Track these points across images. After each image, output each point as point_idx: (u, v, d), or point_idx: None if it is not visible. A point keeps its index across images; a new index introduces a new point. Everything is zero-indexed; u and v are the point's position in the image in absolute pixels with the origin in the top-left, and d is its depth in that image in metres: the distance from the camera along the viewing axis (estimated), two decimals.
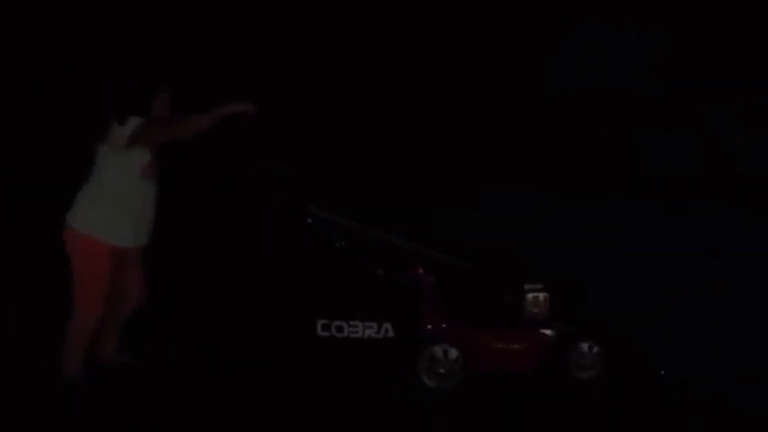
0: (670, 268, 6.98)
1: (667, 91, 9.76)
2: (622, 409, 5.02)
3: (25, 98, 7.83)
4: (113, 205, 4.74)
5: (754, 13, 9.95)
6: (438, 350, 5.22)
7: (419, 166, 8.25)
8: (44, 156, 7.39)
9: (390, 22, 9.40)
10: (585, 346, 5.42)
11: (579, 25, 9.90)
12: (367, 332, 5.32)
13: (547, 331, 5.47)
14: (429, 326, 5.35)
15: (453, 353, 5.22)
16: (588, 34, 9.92)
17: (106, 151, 4.74)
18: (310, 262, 5.47)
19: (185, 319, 5.83)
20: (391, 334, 5.32)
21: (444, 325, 5.35)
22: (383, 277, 5.40)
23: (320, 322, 5.29)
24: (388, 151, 8.23)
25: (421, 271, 5.42)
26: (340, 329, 5.30)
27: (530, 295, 5.45)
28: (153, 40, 7.96)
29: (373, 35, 9.20)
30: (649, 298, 6.36)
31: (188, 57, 7.90)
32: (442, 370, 5.22)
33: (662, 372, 5.43)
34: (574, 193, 8.01)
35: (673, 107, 9.64)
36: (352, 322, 5.30)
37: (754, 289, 6.58)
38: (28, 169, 7.46)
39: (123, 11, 8.30)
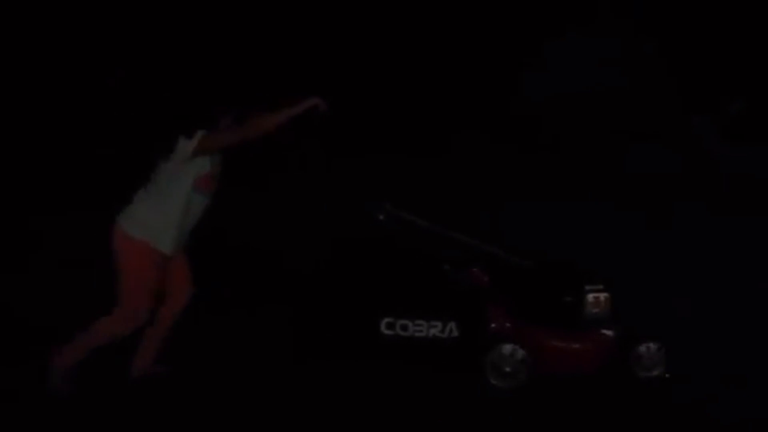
0: (654, 270, 7.03)
1: (648, 99, 9.92)
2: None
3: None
4: (169, 214, 4.76)
5: (732, 24, 10.14)
6: (504, 349, 5.19)
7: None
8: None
9: (374, 29, 9.38)
10: (647, 346, 5.41)
11: (561, 35, 10.03)
12: (432, 331, 5.29)
13: (609, 332, 5.45)
14: (493, 325, 5.32)
15: (519, 353, 5.20)
16: (570, 44, 10.06)
17: (169, 162, 4.75)
18: (378, 260, 5.41)
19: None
20: (455, 333, 5.30)
21: (508, 325, 5.33)
22: (449, 276, 5.36)
23: (385, 321, 5.25)
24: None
25: (486, 270, 5.40)
26: (404, 328, 5.26)
27: (591, 296, 5.44)
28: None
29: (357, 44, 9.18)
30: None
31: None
32: (508, 369, 5.18)
33: (666, 374, 5.35)
34: (557, 200, 8.07)
35: (654, 115, 9.80)
36: (417, 321, 5.25)
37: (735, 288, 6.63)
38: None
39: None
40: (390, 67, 9.00)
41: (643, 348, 5.40)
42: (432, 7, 9.41)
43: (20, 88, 7.61)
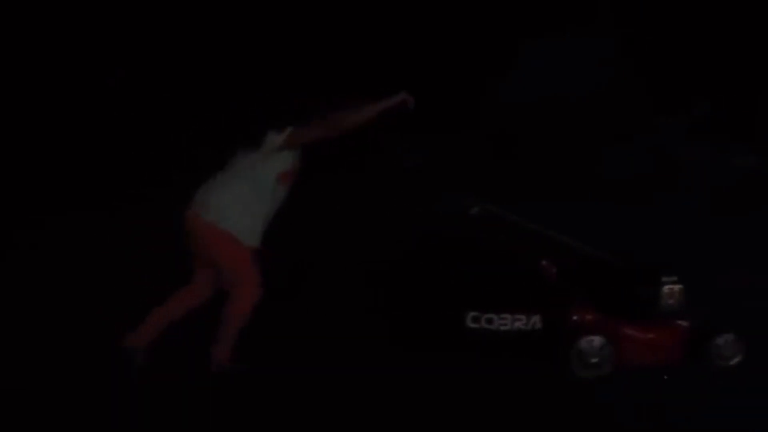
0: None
1: (618, 104, 10.04)
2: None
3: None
4: (251, 205, 4.82)
5: (700, 25, 10.30)
6: (590, 341, 5.26)
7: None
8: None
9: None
10: (725, 337, 5.50)
11: (533, 41, 10.13)
12: (516, 324, 5.34)
13: (685, 323, 5.54)
14: (576, 318, 5.39)
15: (604, 344, 5.27)
16: (542, 50, 10.16)
17: (256, 156, 4.82)
18: (464, 255, 5.47)
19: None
20: (539, 326, 5.35)
21: (590, 317, 5.40)
22: (533, 270, 5.42)
23: (471, 314, 5.29)
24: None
25: (568, 264, 5.47)
26: (489, 321, 5.31)
27: (666, 287, 5.53)
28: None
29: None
30: None
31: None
32: (593, 360, 5.25)
33: (665, 376, 5.38)
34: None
35: (624, 119, 9.93)
36: (502, 315, 5.31)
37: None
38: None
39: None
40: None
41: (721, 339, 5.49)
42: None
43: (20, 88, 7.55)
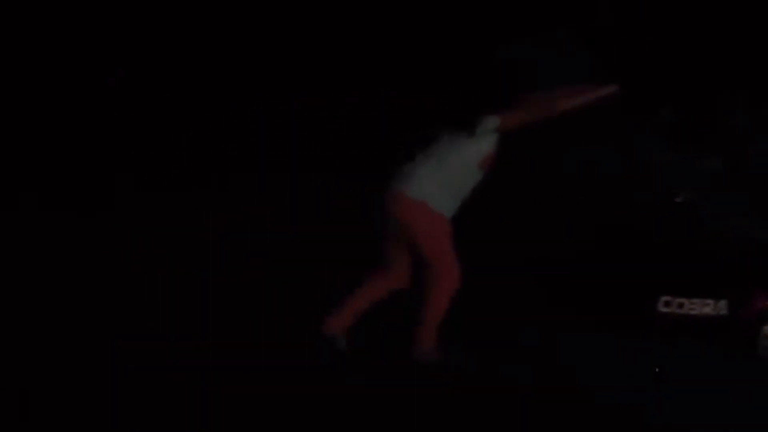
0: None
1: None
2: None
3: None
4: (455, 188, 4.79)
5: (670, 29, 10.90)
6: None
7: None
8: None
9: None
10: None
11: (506, 48, 10.31)
12: (705, 309, 5.25)
13: None
14: (761, 304, 5.33)
15: None
16: (515, 57, 10.35)
17: (465, 139, 4.76)
18: (658, 242, 5.40)
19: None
20: (724, 311, 5.28)
21: None
22: (722, 256, 5.39)
23: (663, 299, 5.16)
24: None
25: (754, 251, 5.45)
26: (680, 306, 5.21)
27: None
28: None
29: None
30: None
31: None
32: None
33: (656, 369, 5.20)
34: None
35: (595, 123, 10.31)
36: (692, 300, 5.21)
37: None
38: None
39: None
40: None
41: None
42: None
43: (20, 88, 7.51)
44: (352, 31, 8.07)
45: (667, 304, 5.21)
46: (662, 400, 4.42)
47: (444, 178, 4.73)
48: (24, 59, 7.55)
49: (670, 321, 5.22)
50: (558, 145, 6.52)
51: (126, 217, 6.67)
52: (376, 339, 4.77)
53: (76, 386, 4.19)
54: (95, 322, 5.16)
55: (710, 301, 5.26)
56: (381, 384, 4.31)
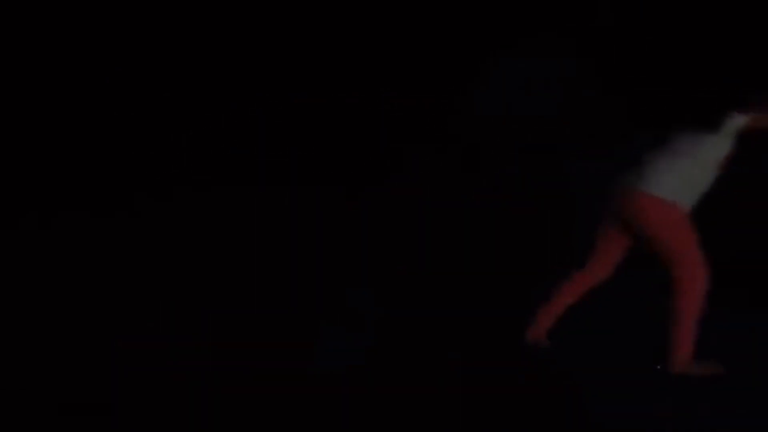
0: None
1: (585, 119, 10.38)
2: None
3: None
4: (695, 188, 4.80)
5: (672, 42, 10.88)
6: None
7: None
8: None
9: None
10: None
11: (497, 59, 10.29)
12: None
13: None
14: None
15: None
16: (506, 68, 10.33)
17: (711, 138, 4.77)
18: None
19: None
20: None
21: None
22: None
23: None
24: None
25: None
26: None
27: None
28: None
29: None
30: None
31: None
32: None
33: (657, 366, 5.11)
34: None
35: (597, 133, 10.27)
36: None
37: None
38: None
39: None
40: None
41: None
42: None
43: (19, 87, 7.60)
44: (351, 32, 8.08)
45: None
46: (662, 401, 4.42)
47: (690, 177, 4.76)
48: (24, 59, 7.60)
49: None
50: None
51: (126, 218, 6.72)
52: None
53: (76, 386, 4.18)
54: (95, 322, 5.17)
55: None
56: (381, 384, 4.30)
